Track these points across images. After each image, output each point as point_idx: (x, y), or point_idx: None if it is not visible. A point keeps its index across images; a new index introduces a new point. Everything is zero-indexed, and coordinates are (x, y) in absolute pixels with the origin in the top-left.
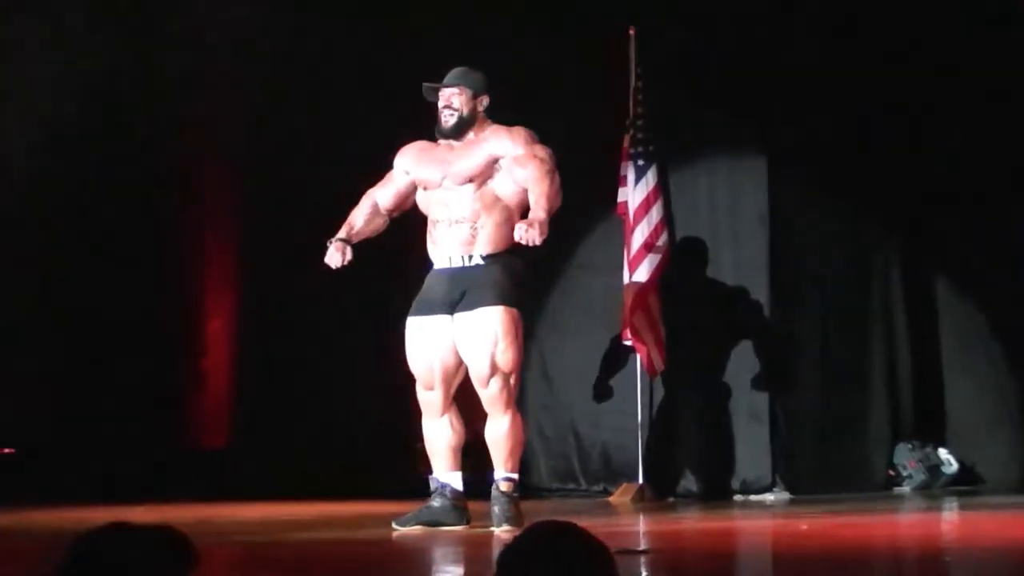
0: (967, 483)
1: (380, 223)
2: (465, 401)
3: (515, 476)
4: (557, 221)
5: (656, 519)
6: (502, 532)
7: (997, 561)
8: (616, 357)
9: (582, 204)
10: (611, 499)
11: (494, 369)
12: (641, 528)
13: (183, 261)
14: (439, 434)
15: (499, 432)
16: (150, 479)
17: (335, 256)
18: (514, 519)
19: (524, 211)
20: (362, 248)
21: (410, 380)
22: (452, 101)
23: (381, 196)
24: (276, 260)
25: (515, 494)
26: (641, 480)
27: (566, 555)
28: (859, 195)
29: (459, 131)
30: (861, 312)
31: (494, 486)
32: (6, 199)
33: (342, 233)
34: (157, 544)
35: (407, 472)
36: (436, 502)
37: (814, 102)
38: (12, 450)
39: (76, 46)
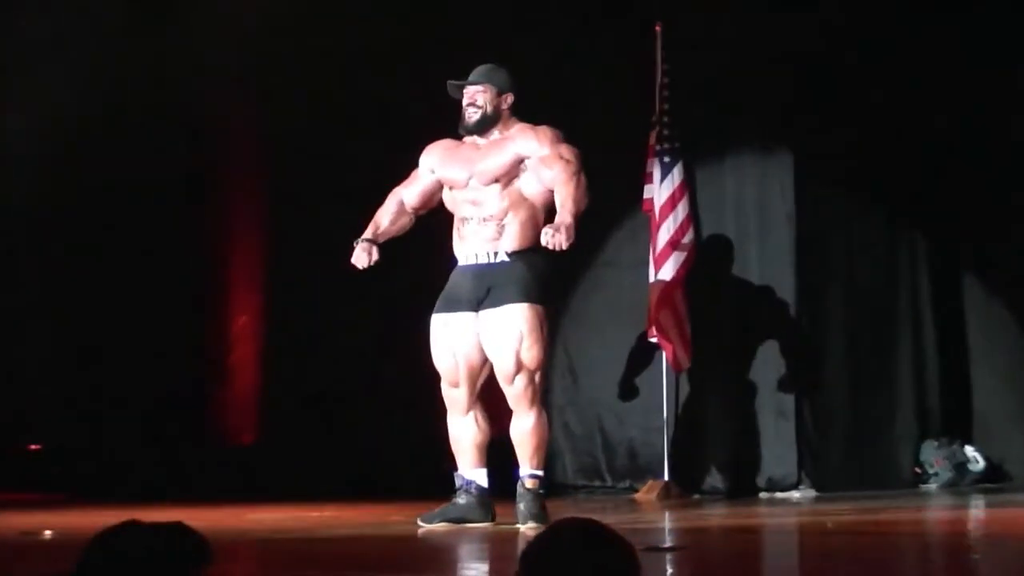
0: (994, 481)
1: (406, 222)
2: (490, 398)
3: (540, 473)
4: (584, 218)
5: (682, 516)
6: (527, 529)
7: None
8: (642, 354)
9: (608, 201)
10: (637, 496)
11: (519, 366)
12: (667, 525)
13: (209, 259)
14: (464, 431)
15: (524, 429)
16: (177, 477)
17: (362, 256)
18: (539, 516)
19: (550, 209)
20: (389, 245)
21: (436, 377)
22: (476, 99)
23: (407, 195)
24: (302, 257)
25: (540, 491)
26: (667, 477)
27: (590, 552)
28: (886, 192)
29: (482, 127)
30: (888, 310)
31: (519, 483)
32: (33, 198)
33: (368, 233)
34: (172, 542)
35: (433, 469)
36: (462, 499)
37: (841, 99)
38: (39, 446)
39: (99, 44)
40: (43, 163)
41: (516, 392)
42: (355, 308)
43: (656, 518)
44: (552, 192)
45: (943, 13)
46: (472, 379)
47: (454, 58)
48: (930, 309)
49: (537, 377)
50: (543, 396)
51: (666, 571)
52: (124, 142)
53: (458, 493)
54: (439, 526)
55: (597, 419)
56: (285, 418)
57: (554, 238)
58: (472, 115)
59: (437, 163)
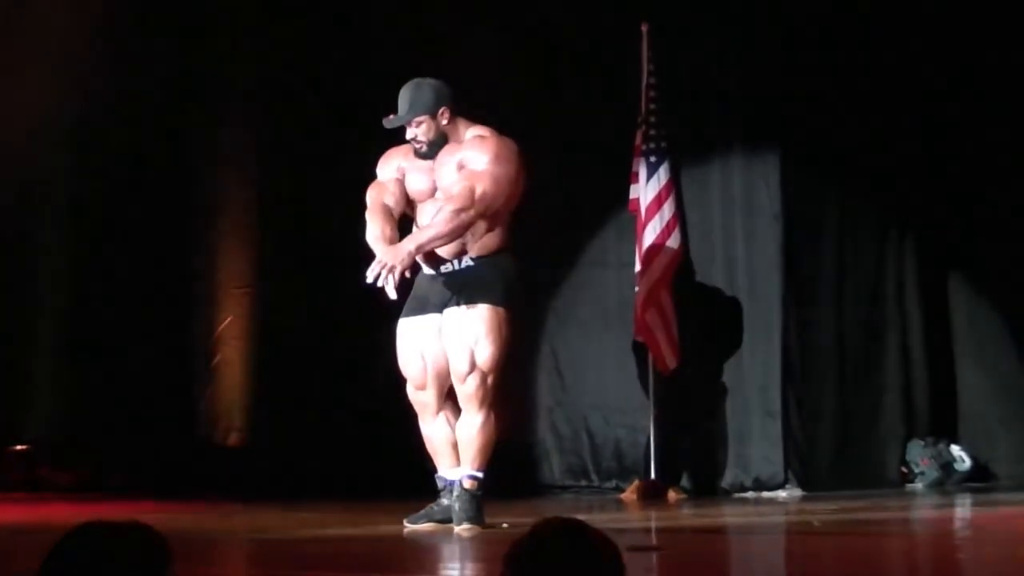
0: (980, 480)
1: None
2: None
3: (480, 475)
4: (570, 217)
5: (668, 516)
6: (462, 530)
7: (1010, 558)
8: (629, 355)
9: (594, 201)
10: (623, 496)
11: (472, 366)
12: (653, 525)
13: (197, 258)
14: (437, 433)
15: (471, 430)
16: (165, 477)
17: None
18: (475, 518)
19: (512, 211)
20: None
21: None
22: (416, 135)
23: (390, 201)
24: (290, 256)
25: (478, 492)
26: (653, 477)
27: (573, 553)
28: (873, 192)
29: (434, 152)
30: (875, 309)
31: (457, 483)
32: (30, 205)
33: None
34: (133, 543)
35: (419, 470)
36: (446, 500)
37: (828, 98)
38: (25, 446)
39: (101, 50)
40: (64, 163)
41: (467, 392)
42: (343, 308)
43: (642, 518)
44: (515, 194)
45: (932, 14)
46: (440, 381)
47: (446, 57)
48: (917, 309)
49: (490, 379)
50: (495, 399)
51: (652, 571)
52: (143, 141)
53: (442, 494)
54: (424, 526)
55: (584, 419)
56: (273, 418)
57: (385, 260)
58: (420, 149)
59: (407, 166)
